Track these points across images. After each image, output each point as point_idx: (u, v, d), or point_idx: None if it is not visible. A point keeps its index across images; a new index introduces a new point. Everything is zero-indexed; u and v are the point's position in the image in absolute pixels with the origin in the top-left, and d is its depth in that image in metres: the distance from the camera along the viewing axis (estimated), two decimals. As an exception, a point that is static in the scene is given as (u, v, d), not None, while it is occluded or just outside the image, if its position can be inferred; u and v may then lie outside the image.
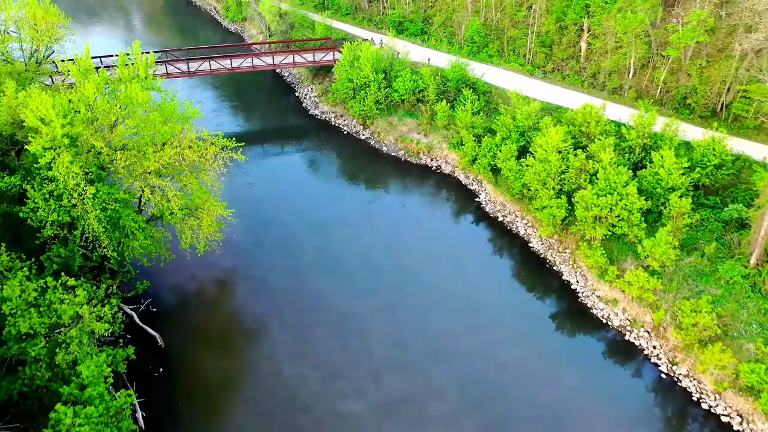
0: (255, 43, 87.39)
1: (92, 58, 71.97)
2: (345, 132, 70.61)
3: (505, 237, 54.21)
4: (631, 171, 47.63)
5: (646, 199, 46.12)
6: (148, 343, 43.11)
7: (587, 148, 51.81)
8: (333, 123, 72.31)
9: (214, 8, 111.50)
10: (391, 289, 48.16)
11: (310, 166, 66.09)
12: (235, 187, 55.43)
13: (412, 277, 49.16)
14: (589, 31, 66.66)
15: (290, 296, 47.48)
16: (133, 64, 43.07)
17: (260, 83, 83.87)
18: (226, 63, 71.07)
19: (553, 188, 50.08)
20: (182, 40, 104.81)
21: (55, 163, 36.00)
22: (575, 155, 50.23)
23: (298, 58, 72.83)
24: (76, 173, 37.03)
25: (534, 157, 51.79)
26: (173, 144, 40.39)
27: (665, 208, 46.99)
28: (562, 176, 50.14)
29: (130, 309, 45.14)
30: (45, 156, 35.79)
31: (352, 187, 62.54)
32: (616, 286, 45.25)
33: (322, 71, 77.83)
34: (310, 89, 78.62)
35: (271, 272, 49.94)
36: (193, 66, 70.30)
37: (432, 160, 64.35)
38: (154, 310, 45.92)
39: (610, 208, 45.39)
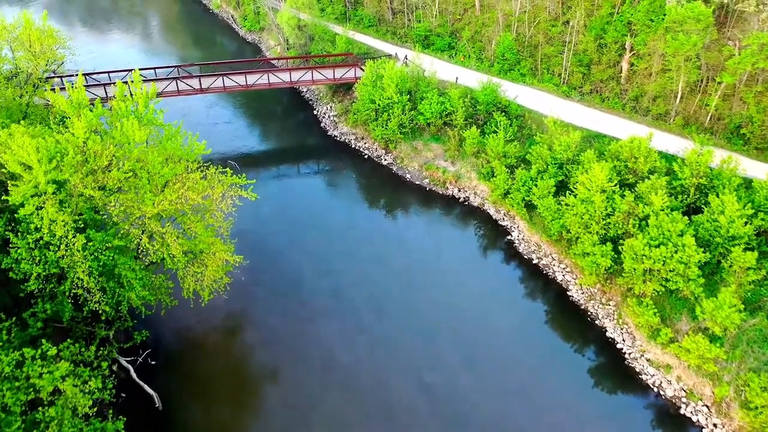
0: (271, 59, 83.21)
1: (101, 72, 69.18)
2: (365, 156, 65.83)
3: (540, 282, 49.12)
4: (686, 218, 42.42)
5: (703, 250, 40.91)
6: (145, 403, 38.89)
7: (635, 188, 46.62)
8: (353, 145, 67.58)
9: (232, 17, 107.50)
10: (412, 342, 43.38)
11: (327, 194, 61.47)
12: (245, 218, 50.52)
13: (435, 328, 44.40)
14: (631, 50, 61.31)
15: (301, 349, 42.94)
16: (131, 82, 38.78)
17: (277, 99, 79.41)
18: (241, 80, 66.86)
19: (597, 233, 44.97)
20: (197, 49, 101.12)
21: (39, 213, 31.85)
22: (622, 196, 45.13)
23: (316, 75, 68.30)
24: (64, 222, 32.91)
25: (575, 195, 46.76)
26: (175, 186, 35.99)
27: (725, 259, 41.76)
28: (607, 220, 45.00)
29: (127, 361, 41.06)
30: (28, 205, 31.63)
31: (372, 219, 57.59)
32: (670, 350, 39.98)
33: (343, 88, 73.21)
34: (329, 107, 74.02)
35: (281, 319, 45.44)
36: (206, 83, 66.12)
37: (459, 190, 59.30)
38: (152, 363, 41.64)
39: (664, 261, 40.20)
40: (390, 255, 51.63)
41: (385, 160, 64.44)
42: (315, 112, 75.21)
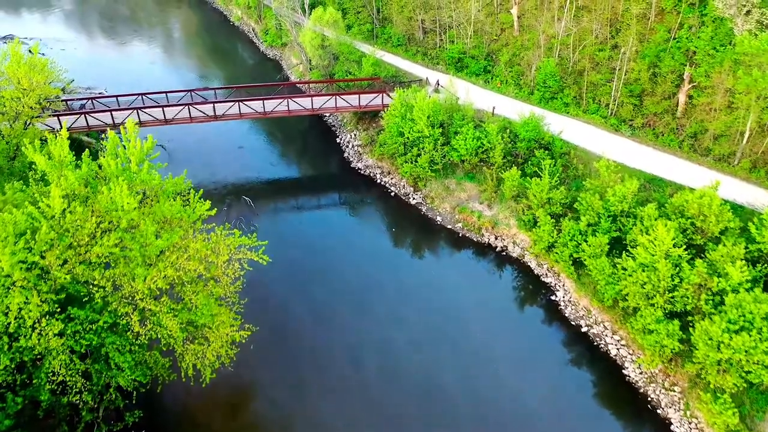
0: (291, 83, 78.01)
1: (109, 96, 64.67)
2: (392, 193, 59.93)
3: (589, 354, 42.67)
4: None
5: (791, 336, 34.45)
6: (134, 502, 33.74)
7: (705, 252, 40.23)
8: (378, 181, 61.76)
9: (253, 30, 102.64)
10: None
11: (348, 238, 55.12)
12: (255, 269, 44.68)
13: (464, 415, 38.45)
14: (691, 82, 54.77)
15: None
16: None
17: (297, 122, 73.78)
18: (258, 106, 61.72)
19: (662, 307, 38.68)
20: (216, 64, 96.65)
21: (6, 298, 26.82)
22: (691, 263, 38.80)
23: (340, 102, 62.76)
24: (38, 303, 27.82)
25: (633, 258, 40.53)
26: (171, 258, 30.64)
27: (817, 347, 35.19)
28: (674, 292, 38.67)
29: (117, 445, 35.95)
30: (-8, 290, 26.66)
31: (396, 270, 50.87)
32: (753, 460, 33.71)
33: (368, 115, 67.54)
34: (353, 136, 68.38)
35: (291, 394, 39.61)
36: (221, 109, 61.07)
37: (496, 238, 53.08)
38: (146, 448, 36.48)
39: (746, 351, 33.83)
40: (415, 314, 45.60)
41: (414, 198, 58.55)
42: (338, 140, 69.62)
